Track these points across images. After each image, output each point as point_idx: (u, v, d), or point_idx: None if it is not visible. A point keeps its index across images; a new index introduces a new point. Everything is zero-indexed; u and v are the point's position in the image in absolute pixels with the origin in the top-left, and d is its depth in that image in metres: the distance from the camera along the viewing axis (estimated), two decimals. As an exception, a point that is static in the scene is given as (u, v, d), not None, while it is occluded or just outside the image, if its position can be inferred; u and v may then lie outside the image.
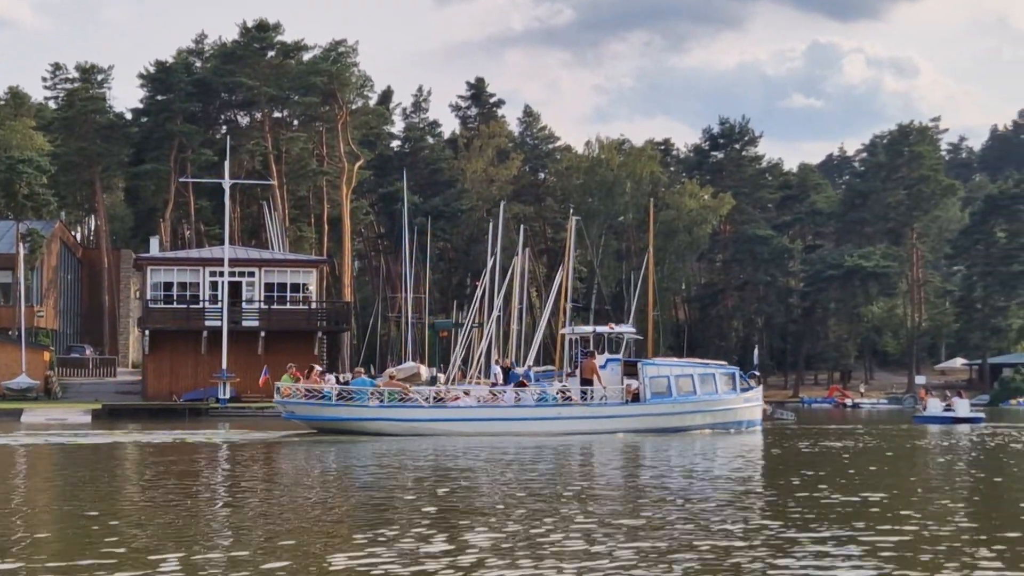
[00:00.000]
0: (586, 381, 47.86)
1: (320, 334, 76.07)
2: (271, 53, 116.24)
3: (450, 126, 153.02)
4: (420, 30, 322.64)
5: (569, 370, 50.24)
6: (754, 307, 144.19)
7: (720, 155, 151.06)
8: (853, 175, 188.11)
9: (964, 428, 57.53)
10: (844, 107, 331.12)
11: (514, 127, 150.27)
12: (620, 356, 50.54)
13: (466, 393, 47.71)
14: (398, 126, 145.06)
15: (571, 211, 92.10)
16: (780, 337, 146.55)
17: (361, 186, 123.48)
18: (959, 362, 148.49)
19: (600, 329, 51.68)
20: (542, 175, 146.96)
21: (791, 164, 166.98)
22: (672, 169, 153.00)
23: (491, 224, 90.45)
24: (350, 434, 42.76)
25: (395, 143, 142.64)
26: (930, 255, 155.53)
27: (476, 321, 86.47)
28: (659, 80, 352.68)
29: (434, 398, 46.01)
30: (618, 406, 47.01)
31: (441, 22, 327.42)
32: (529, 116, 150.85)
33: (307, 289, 76.93)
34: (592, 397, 47.29)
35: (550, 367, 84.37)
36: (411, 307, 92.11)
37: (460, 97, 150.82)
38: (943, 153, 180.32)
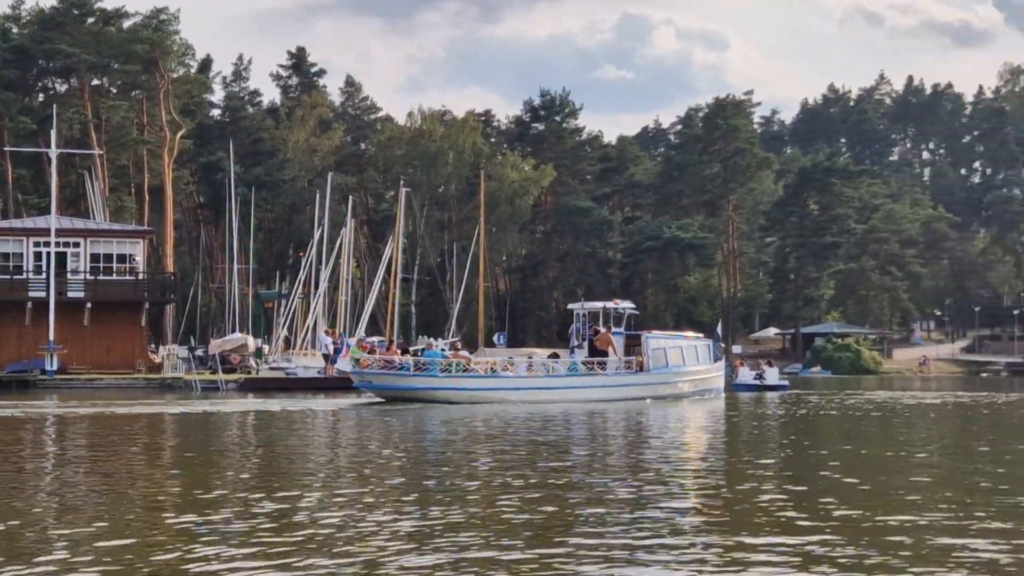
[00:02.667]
0: (601, 352, 51.03)
1: (147, 305, 75.21)
2: (91, 20, 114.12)
3: (271, 95, 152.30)
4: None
5: (577, 343, 53.24)
6: (574, 278, 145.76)
7: (541, 127, 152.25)
8: (669, 147, 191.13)
9: (773, 395, 59.91)
10: (655, 79, 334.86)
11: (335, 97, 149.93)
12: (622, 330, 53.38)
13: (510, 365, 50.78)
14: (218, 95, 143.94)
15: (401, 182, 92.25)
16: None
17: (181, 156, 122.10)
18: (772, 331, 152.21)
19: (608, 305, 54.23)
20: (364, 146, 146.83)
21: (607, 136, 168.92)
22: (493, 141, 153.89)
23: (317, 194, 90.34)
24: (420, 402, 44.65)
25: (216, 112, 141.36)
26: (745, 227, 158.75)
27: (302, 292, 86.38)
28: (472, 50, 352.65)
29: (490, 369, 49.50)
30: (631, 375, 50.75)
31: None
32: (351, 86, 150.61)
33: (134, 260, 75.79)
34: (609, 368, 50.83)
35: (380, 337, 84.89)
36: (237, 278, 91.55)
37: (281, 67, 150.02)
38: (755, 126, 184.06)
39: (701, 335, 60.67)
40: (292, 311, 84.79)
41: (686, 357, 53.84)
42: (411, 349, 54.89)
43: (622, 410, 41.53)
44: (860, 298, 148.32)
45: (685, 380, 53.44)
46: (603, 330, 51.97)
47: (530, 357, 55.01)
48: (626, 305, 55.25)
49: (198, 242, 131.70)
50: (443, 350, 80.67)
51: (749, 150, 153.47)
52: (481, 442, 26.49)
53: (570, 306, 57.63)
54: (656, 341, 53.11)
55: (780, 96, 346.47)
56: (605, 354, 51.09)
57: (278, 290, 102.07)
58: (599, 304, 55.10)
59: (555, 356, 52.69)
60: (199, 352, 76.06)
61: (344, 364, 66.20)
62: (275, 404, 44.45)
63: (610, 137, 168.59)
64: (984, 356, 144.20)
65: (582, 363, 50.60)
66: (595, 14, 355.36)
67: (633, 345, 52.26)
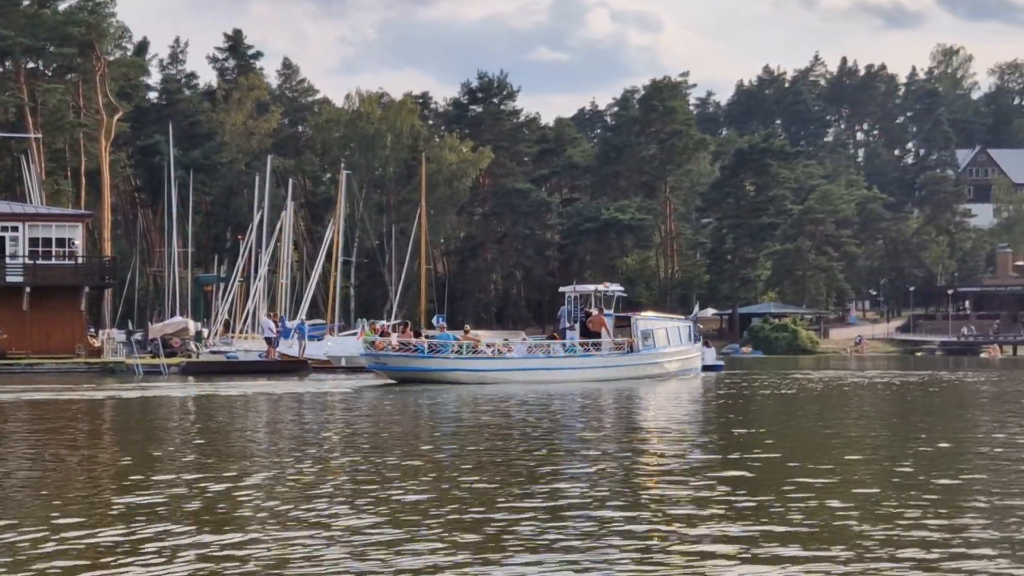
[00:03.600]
0: (593, 334, 52.87)
1: (87, 289, 74.89)
2: (26, 2, 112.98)
3: (207, 78, 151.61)
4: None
5: (569, 324, 54.57)
6: (513, 260, 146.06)
7: (479, 109, 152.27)
8: (606, 129, 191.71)
9: (710, 375, 60.87)
10: (590, 61, 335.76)
11: (272, 80, 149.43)
12: (611, 312, 55.18)
13: (509, 348, 52.94)
14: (155, 78, 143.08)
15: (342, 165, 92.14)
16: (538, 289, 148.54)
17: (117, 139, 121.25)
18: (710, 312, 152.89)
19: (600, 288, 56.37)
20: (301, 128, 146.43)
21: (544, 118, 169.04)
22: (431, 123, 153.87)
23: (256, 177, 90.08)
24: (432, 383, 46.17)
25: (152, 95, 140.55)
26: (682, 208, 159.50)
27: (242, 275, 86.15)
28: (406, 32, 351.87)
29: (497, 351, 51.91)
30: (623, 356, 52.70)
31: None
32: (288, 69, 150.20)
33: (73, 244, 75.45)
34: (603, 349, 52.87)
35: (320, 320, 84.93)
36: (176, 261, 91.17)
37: (218, 49, 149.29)
38: (691, 108, 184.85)
39: (684, 316, 64.31)
40: (232, 295, 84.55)
41: (671, 338, 56.24)
42: (423, 333, 56.96)
43: (616, 389, 43.22)
44: (796, 278, 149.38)
45: (672, 360, 55.77)
46: (595, 312, 53.82)
47: (524, 339, 57.59)
48: (615, 288, 57.37)
49: (135, 225, 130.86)
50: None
51: (686, 132, 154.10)
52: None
53: (562, 289, 59.56)
54: (645, 322, 55.37)
55: (715, 78, 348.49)
56: (598, 335, 52.78)
57: (216, 273, 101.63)
58: (591, 287, 57.61)
59: (552, 338, 54.45)
60: (137, 336, 75.85)
61: (292, 348, 66.50)
62: (250, 388, 44.54)
63: (547, 119, 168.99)
64: (919, 335, 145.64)
65: (579, 344, 52.38)
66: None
67: (622, 326, 54.22)
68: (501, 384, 46.49)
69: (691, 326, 60.82)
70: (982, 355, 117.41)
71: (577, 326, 53.89)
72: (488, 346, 52.58)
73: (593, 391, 42.06)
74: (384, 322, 60.48)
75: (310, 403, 36.15)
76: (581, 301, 55.52)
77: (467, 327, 60.45)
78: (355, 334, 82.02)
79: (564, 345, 52.44)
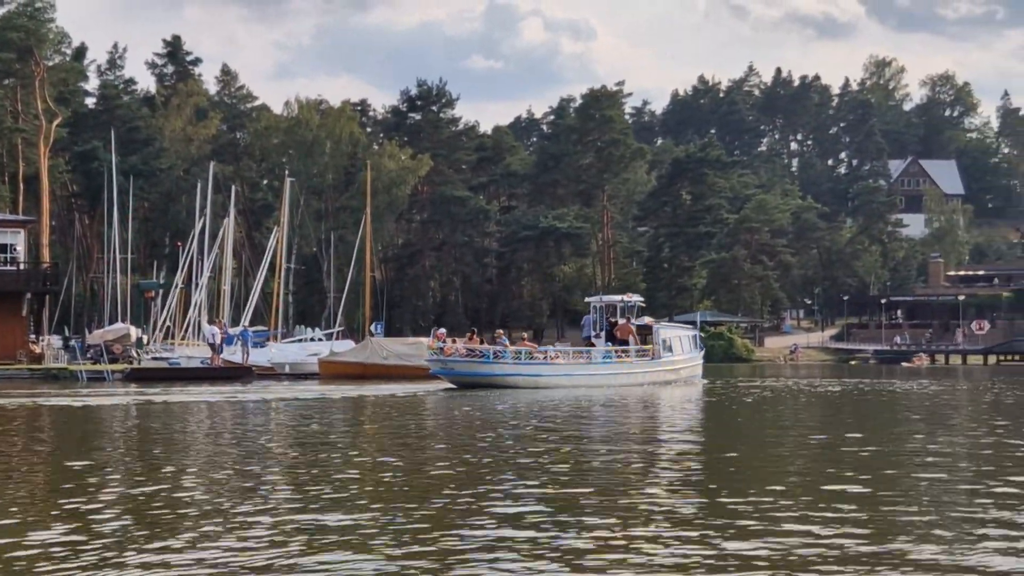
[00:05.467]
0: (621, 341, 55.73)
1: (28, 295, 74.71)
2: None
3: (146, 84, 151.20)
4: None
5: (595, 332, 57.42)
6: (451, 267, 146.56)
7: (418, 117, 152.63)
8: (542, 137, 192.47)
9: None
10: (524, 69, 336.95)
11: (211, 86, 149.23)
12: (636, 320, 58.45)
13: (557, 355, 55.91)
14: (93, 83, 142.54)
15: (286, 172, 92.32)
16: (476, 296, 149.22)
17: (55, 144, 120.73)
18: (646, 320, 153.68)
19: (625, 299, 59.61)
20: (240, 135, 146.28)
21: (480, 125, 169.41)
22: (370, 130, 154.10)
23: (199, 184, 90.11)
24: (492, 387, 48.40)
25: (90, 101, 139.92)
26: (619, 216, 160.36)
27: (183, 282, 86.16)
28: (341, 38, 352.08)
29: (550, 357, 54.56)
30: (648, 362, 55.71)
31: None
32: (227, 75, 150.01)
33: (14, 250, 75.36)
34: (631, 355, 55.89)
35: (262, 327, 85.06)
36: (117, 268, 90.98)
37: (156, 55, 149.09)
38: (627, 117, 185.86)
39: (689, 325, 68.27)
40: (172, 301, 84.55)
41: (684, 345, 59.53)
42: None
43: (642, 394, 45.58)
44: (732, 287, 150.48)
45: (686, 366, 59.25)
46: (622, 321, 56.79)
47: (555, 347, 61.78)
48: (636, 299, 60.56)
49: (71, 231, 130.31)
50: (321, 339, 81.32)
51: (623, 141, 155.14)
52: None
53: (588, 299, 62.95)
54: (665, 331, 58.58)
55: (649, 87, 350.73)
56: (625, 343, 55.73)
57: (156, 280, 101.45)
58: (616, 297, 60.90)
59: (591, 345, 56.73)
60: (73, 342, 75.71)
61: (235, 355, 66.64)
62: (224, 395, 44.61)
63: (482, 126, 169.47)
64: (853, 344, 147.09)
65: (614, 352, 55.31)
66: (463, 3, 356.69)
67: (644, 335, 57.01)
68: (552, 388, 49.37)
69: (697, 335, 64.51)
70: (906, 364, 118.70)
71: (603, 334, 56.74)
72: (541, 353, 55.31)
73: (642, 394, 45.14)
74: (443, 330, 62.06)
75: (294, 408, 36.43)
76: (608, 311, 58.15)
77: (524, 335, 63.99)
78: (298, 340, 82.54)
79: (602, 352, 55.11)
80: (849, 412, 35.59)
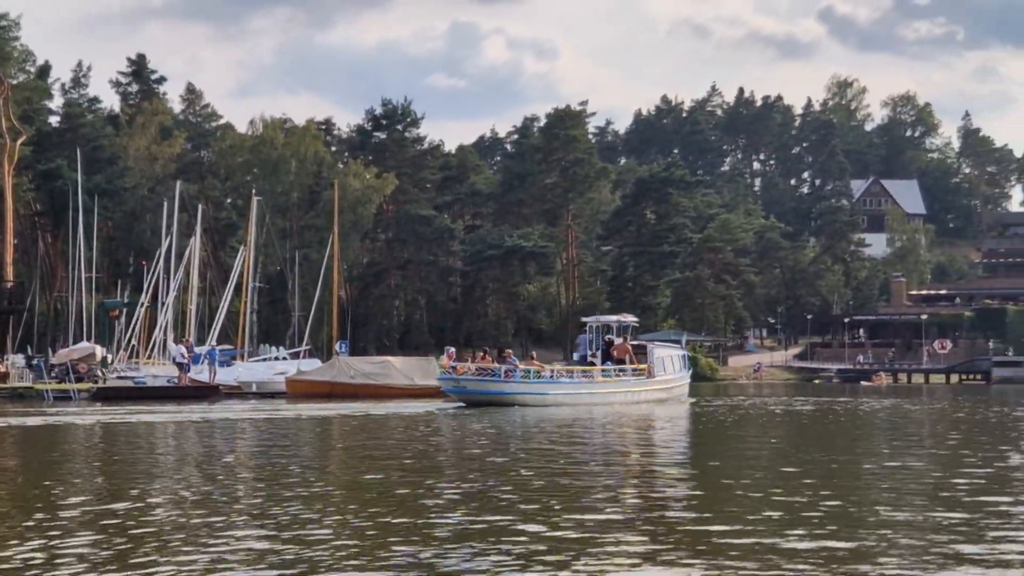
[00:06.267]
0: (618, 361, 56.71)
1: (-5, 315, 74.52)
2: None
3: (111, 102, 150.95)
4: (67, 2, 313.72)
5: (592, 351, 58.19)
6: (416, 286, 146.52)
7: (383, 136, 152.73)
8: (506, 156, 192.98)
9: None
10: (488, 88, 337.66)
11: (176, 105, 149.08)
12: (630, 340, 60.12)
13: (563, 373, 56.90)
14: (57, 102, 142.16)
15: (253, 191, 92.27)
16: (441, 315, 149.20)
17: (19, 163, 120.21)
18: (640, 340, 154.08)
19: (622, 319, 60.67)
20: (204, 153, 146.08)
21: (444, 144, 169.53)
22: (335, 149, 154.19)
23: (165, 203, 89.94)
24: (503, 405, 49.25)
25: (54, 119, 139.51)
26: (584, 236, 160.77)
27: (148, 301, 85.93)
28: (303, 57, 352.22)
29: (557, 376, 55.58)
30: (645, 380, 57.08)
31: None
32: (192, 93, 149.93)
33: (-19, 269, 75.21)
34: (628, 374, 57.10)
35: (228, 346, 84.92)
36: (82, 287, 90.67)
37: (121, 73, 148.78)
38: (591, 136, 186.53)
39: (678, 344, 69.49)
40: (137, 320, 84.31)
41: (675, 365, 61.32)
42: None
43: (641, 412, 46.88)
44: (696, 306, 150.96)
45: (677, 385, 61.11)
46: (619, 341, 58.13)
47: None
48: (631, 319, 62.04)
49: (35, 250, 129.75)
50: (285, 358, 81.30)
51: (587, 160, 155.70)
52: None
53: (584, 319, 64.08)
54: (659, 351, 60.22)
55: (613, 106, 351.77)
56: (623, 362, 56.80)
57: (119, 299, 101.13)
58: (613, 318, 61.75)
59: (592, 364, 57.18)
60: (35, 361, 75.45)
61: (202, 374, 66.51)
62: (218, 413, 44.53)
63: (445, 145, 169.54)
64: (816, 363, 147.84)
65: (614, 371, 56.35)
66: (425, 21, 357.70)
67: (639, 354, 58.22)
68: (558, 406, 50.25)
69: (686, 355, 66.20)
70: (866, 383, 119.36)
71: (599, 353, 57.79)
72: (548, 372, 56.20)
73: (640, 414, 45.71)
74: (453, 349, 62.70)
75: (264, 428, 36.44)
76: (605, 331, 59.31)
77: (533, 353, 66.95)
78: (265, 359, 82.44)
79: (602, 372, 56.11)
80: (853, 433, 35.87)
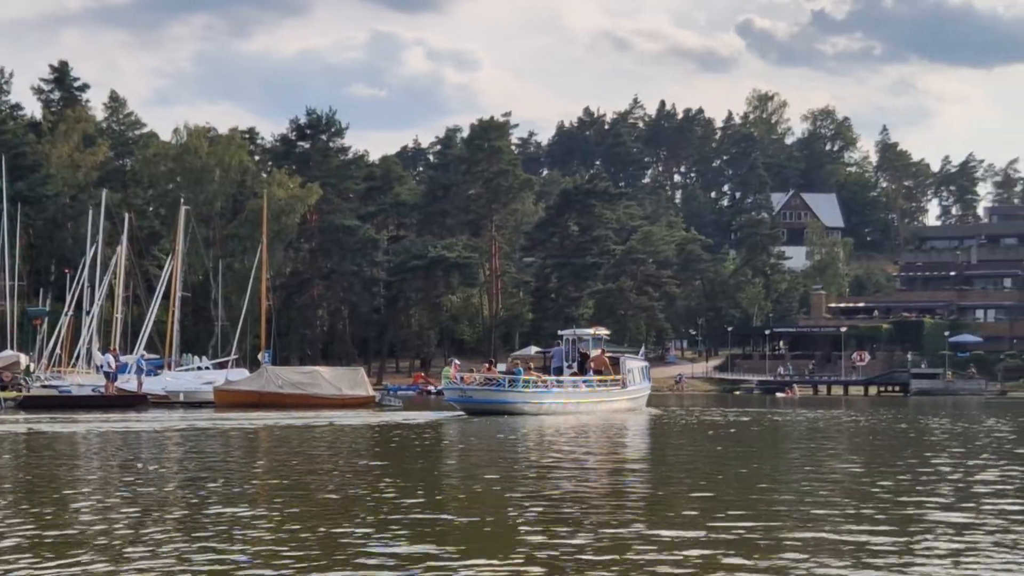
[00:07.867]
0: (596, 371, 59.86)
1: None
2: None
3: (32, 109, 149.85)
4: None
5: (568, 362, 60.94)
6: (339, 296, 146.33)
7: (307, 145, 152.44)
8: (429, 167, 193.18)
9: None
10: (408, 98, 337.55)
11: (99, 112, 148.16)
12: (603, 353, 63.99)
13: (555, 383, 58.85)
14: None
15: (181, 200, 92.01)
16: (365, 325, 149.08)
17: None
18: (533, 350, 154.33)
19: (596, 332, 64.11)
20: (127, 161, 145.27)
21: (368, 155, 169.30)
22: (258, 158, 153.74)
23: (90, 211, 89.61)
24: (506, 414, 51.30)
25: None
26: (507, 247, 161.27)
27: (72, 309, 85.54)
28: (222, 65, 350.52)
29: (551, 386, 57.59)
30: (622, 390, 60.84)
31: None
32: (115, 101, 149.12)
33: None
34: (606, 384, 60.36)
35: (155, 355, 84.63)
36: (6, 294, 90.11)
37: (43, 80, 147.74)
38: (513, 148, 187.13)
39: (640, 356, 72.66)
40: (61, 328, 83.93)
41: (641, 375, 65.08)
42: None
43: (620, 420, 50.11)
44: (618, 317, 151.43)
45: (642, 395, 64.98)
46: (596, 352, 61.31)
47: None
48: (603, 332, 65.82)
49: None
50: (208, 368, 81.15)
51: (511, 171, 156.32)
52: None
53: (561, 332, 66.55)
54: (630, 362, 63.81)
55: (534, 118, 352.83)
56: (600, 373, 60.03)
57: (42, 307, 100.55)
58: (588, 331, 65.07)
59: (574, 374, 59.83)
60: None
61: (129, 383, 66.33)
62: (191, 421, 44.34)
63: (367, 156, 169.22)
64: (736, 375, 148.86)
65: (596, 382, 59.34)
66: (344, 31, 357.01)
67: (613, 365, 61.66)
68: (553, 415, 53.09)
69: (647, 366, 69.42)
70: (779, 395, 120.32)
71: (575, 364, 60.62)
72: (544, 381, 58.04)
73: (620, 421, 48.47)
74: (457, 361, 63.85)
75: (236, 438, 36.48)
76: (581, 344, 61.91)
77: (531, 364, 69.19)
78: (187, 369, 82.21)
79: (586, 382, 58.92)
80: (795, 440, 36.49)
